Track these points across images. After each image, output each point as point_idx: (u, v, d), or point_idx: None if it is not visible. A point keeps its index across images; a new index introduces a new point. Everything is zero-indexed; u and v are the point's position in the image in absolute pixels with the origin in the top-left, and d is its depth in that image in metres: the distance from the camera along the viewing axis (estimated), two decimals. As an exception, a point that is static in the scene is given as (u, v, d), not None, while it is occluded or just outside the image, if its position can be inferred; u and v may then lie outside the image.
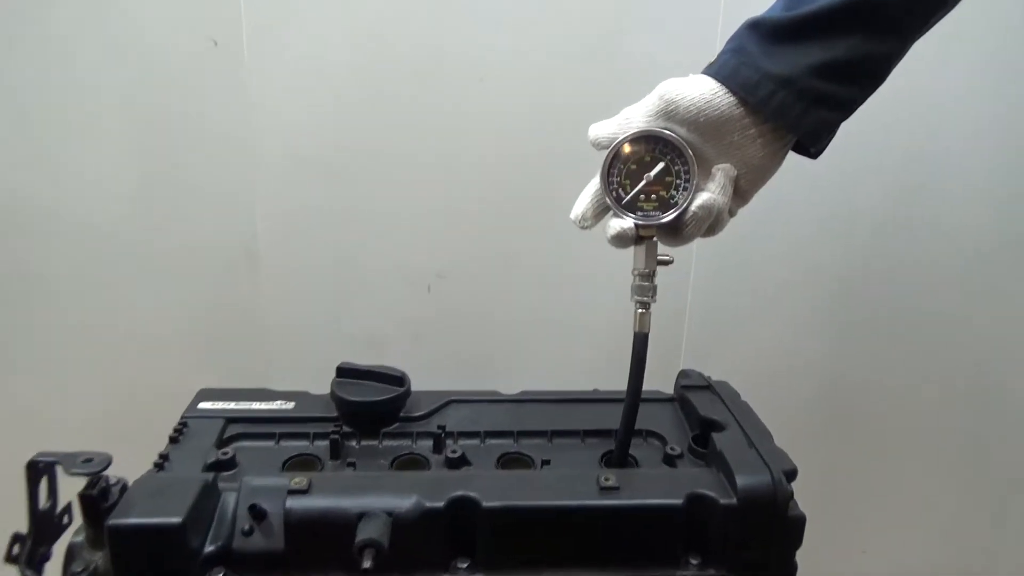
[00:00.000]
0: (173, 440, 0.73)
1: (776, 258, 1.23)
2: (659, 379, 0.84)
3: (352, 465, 0.72)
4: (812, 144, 0.66)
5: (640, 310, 0.68)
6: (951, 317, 1.29)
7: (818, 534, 0.71)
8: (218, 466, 0.70)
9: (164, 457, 0.70)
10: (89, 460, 0.61)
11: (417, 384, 0.82)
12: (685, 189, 0.66)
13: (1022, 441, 1.37)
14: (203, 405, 0.78)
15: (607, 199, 0.67)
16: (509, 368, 1.23)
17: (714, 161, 0.66)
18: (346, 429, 0.76)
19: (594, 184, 0.68)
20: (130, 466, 0.67)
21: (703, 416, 0.77)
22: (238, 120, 1.10)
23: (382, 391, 0.77)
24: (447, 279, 1.21)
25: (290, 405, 0.80)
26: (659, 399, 0.85)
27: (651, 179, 0.66)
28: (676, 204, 0.66)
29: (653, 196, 0.67)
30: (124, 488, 0.64)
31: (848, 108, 0.65)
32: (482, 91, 1.11)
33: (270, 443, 0.76)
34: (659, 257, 0.68)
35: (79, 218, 1.12)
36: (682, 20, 1.09)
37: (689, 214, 0.66)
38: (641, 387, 0.69)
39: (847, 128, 0.67)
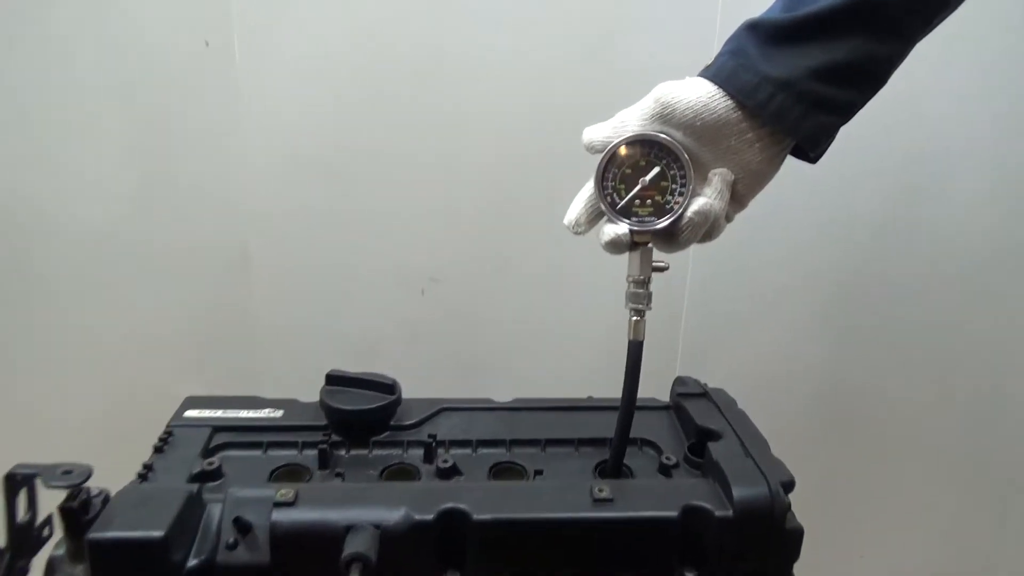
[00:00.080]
0: (158, 449, 0.71)
1: (774, 262, 1.22)
2: (654, 385, 0.82)
3: (341, 476, 0.70)
4: (811, 148, 0.65)
5: (635, 318, 0.67)
6: (950, 321, 1.28)
7: (815, 539, 0.70)
8: (203, 476, 0.68)
9: (148, 467, 0.68)
10: (69, 472, 0.59)
11: (410, 388, 0.80)
12: (681, 194, 0.65)
13: (1022, 445, 1.36)
14: (189, 413, 0.77)
15: (601, 204, 0.66)
16: (503, 373, 1.22)
17: (711, 165, 0.65)
18: (335, 438, 0.75)
19: (588, 189, 0.67)
20: (117, 469, 0.66)
21: (699, 425, 0.76)
22: (230, 121, 1.09)
23: (372, 399, 0.76)
24: (441, 282, 1.20)
25: (278, 413, 0.78)
26: (654, 407, 0.84)
27: (646, 184, 0.65)
28: (672, 210, 0.65)
29: (648, 201, 0.65)
30: (106, 500, 0.62)
31: (848, 112, 0.63)
32: (478, 92, 1.10)
33: (257, 452, 0.74)
34: (654, 264, 0.67)
35: (72, 219, 1.12)
36: (680, 21, 1.08)
37: (685, 220, 0.64)
38: (636, 396, 0.68)
39: (846, 130, 0.65)
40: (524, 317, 1.21)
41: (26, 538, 0.62)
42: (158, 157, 1.10)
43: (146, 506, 0.60)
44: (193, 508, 0.62)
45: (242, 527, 0.60)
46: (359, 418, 0.75)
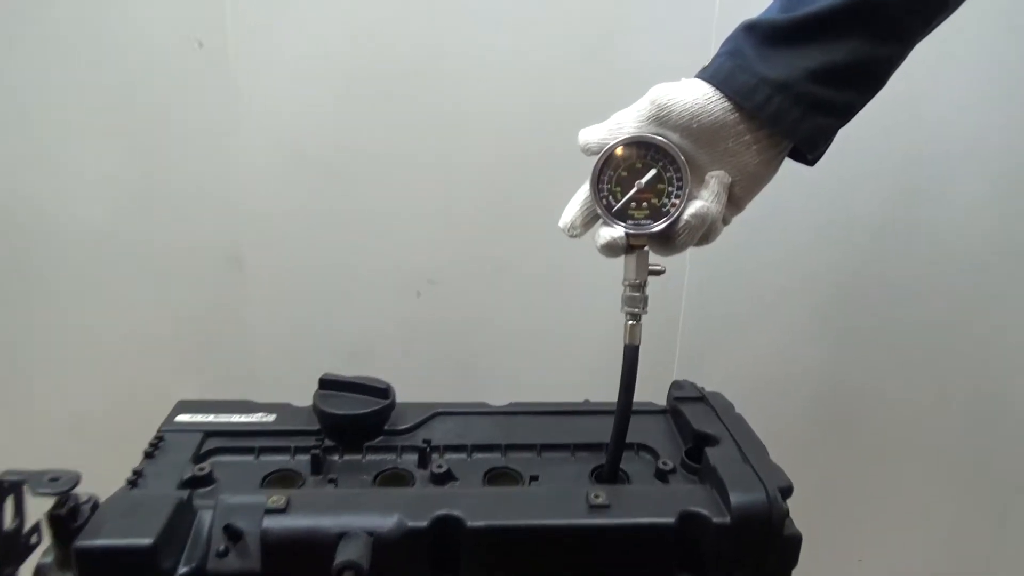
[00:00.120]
0: (148, 455, 0.70)
1: (772, 264, 1.22)
2: (652, 389, 0.82)
3: (334, 481, 0.69)
4: (809, 151, 0.64)
5: (631, 322, 0.66)
6: (950, 322, 1.27)
7: (813, 543, 0.69)
8: (194, 482, 0.68)
9: (138, 473, 0.67)
10: (56, 479, 0.58)
11: (405, 391, 0.80)
12: (677, 197, 0.64)
13: (1022, 447, 1.35)
14: (181, 418, 0.76)
15: (597, 207, 0.65)
16: (500, 376, 1.22)
17: (708, 168, 0.64)
18: (328, 443, 0.74)
19: (583, 191, 0.66)
20: (113, 470, 0.66)
21: (696, 429, 0.75)
22: (225, 122, 1.08)
23: (366, 403, 0.75)
24: (437, 285, 1.19)
25: (271, 418, 0.77)
26: (651, 411, 0.83)
27: (642, 186, 0.64)
28: (668, 212, 0.64)
29: (644, 204, 0.64)
30: (95, 506, 0.61)
31: (847, 114, 0.63)
32: (475, 92, 1.09)
33: (249, 458, 0.73)
34: (650, 267, 0.66)
35: (68, 219, 1.11)
36: (677, 21, 1.08)
37: (681, 223, 0.63)
38: (632, 401, 0.67)
39: (844, 132, 0.64)
40: (521, 319, 1.21)
41: (13, 546, 0.61)
42: (153, 158, 1.09)
43: (135, 513, 0.59)
44: (183, 515, 0.61)
45: (233, 534, 0.59)
46: (352, 423, 0.74)
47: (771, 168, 0.65)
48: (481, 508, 0.62)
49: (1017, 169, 1.20)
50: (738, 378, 1.23)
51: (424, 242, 1.16)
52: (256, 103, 1.08)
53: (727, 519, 0.63)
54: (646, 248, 0.66)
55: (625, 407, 0.67)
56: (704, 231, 0.64)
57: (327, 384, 0.77)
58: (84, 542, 0.56)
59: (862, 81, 0.62)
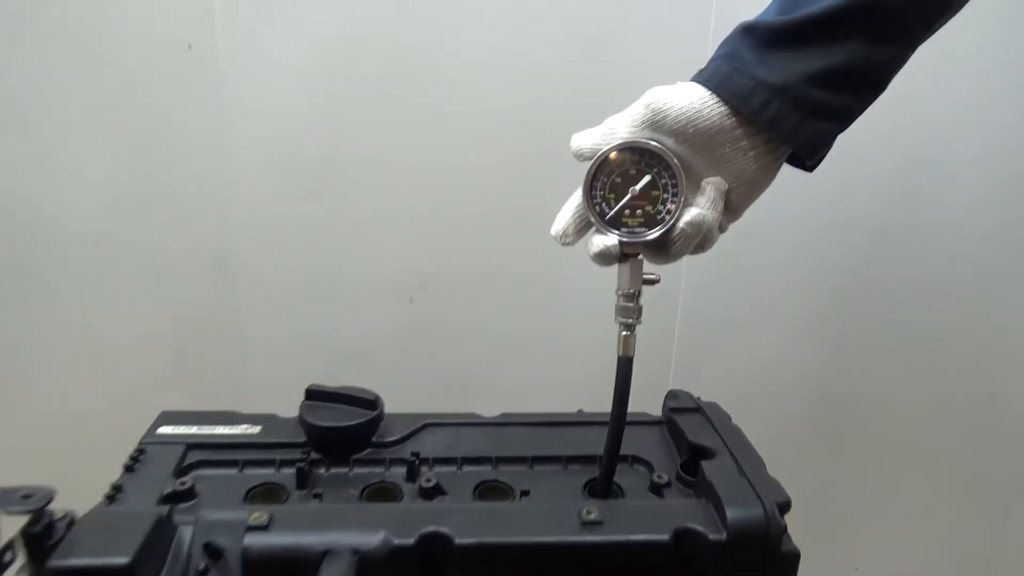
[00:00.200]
0: (128, 468, 0.68)
1: (770, 268, 1.20)
2: (647, 397, 0.80)
3: (319, 496, 0.67)
4: (808, 157, 0.62)
5: (624, 333, 0.64)
6: (950, 326, 1.26)
7: (810, 551, 0.68)
8: (175, 497, 0.66)
9: (117, 488, 0.65)
10: (29, 496, 0.56)
11: (397, 399, 0.78)
12: (673, 204, 0.62)
13: (1022, 451, 1.34)
14: (163, 430, 0.74)
15: (589, 214, 0.63)
16: (494, 384, 1.20)
17: (704, 174, 0.62)
18: (315, 456, 0.72)
19: (576, 198, 0.64)
20: (91, 478, 0.64)
21: (692, 442, 0.73)
22: (212, 125, 1.07)
23: (353, 415, 0.73)
24: (430, 291, 1.17)
25: (256, 429, 0.75)
26: (646, 422, 0.81)
27: (636, 193, 0.62)
28: (663, 220, 0.62)
29: (639, 211, 0.63)
30: (71, 523, 0.60)
31: (847, 118, 0.61)
32: (469, 94, 1.08)
33: (233, 471, 0.71)
34: (645, 276, 0.64)
35: (61, 221, 1.09)
36: (674, 22, 1.06)
37: (677, 231, 0.61)
38: (625, 414, 0.65)
39: (842, 134, 0.63)
40: (516, 326, 1.19)
41: (-14, 564, 0.59)
42: (143, 161, 1.08)
43: (112, 530, 0.57)
44: (162, 532, 0.59)
45: (213, 552, 0.58)
46: (339, 435, 0.72)
47: (769, 174, 0.63)
48: (469, 525, 0.60)
49: (1017, 172, 1.18)
50: (735, 385, 1.21)
51: (415, 248, 1.15)
52: (246, 105, 1.06)
53: (723, 536, 0.61)
54: (640, 257, 0.64)
55: (619, 421, 0.65)
56: (700, 239, 0.62)
57: (314, 395, 0.75)
58: (58, 561, 0.54)
59: (862, 85, 0.60)
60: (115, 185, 1.09)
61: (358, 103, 1.07)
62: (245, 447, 0.73)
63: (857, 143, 0.97)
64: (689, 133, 0.60)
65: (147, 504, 0.64)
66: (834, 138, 0.62)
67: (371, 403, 0.74)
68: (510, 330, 1.19)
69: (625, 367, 0.64)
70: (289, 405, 0.77)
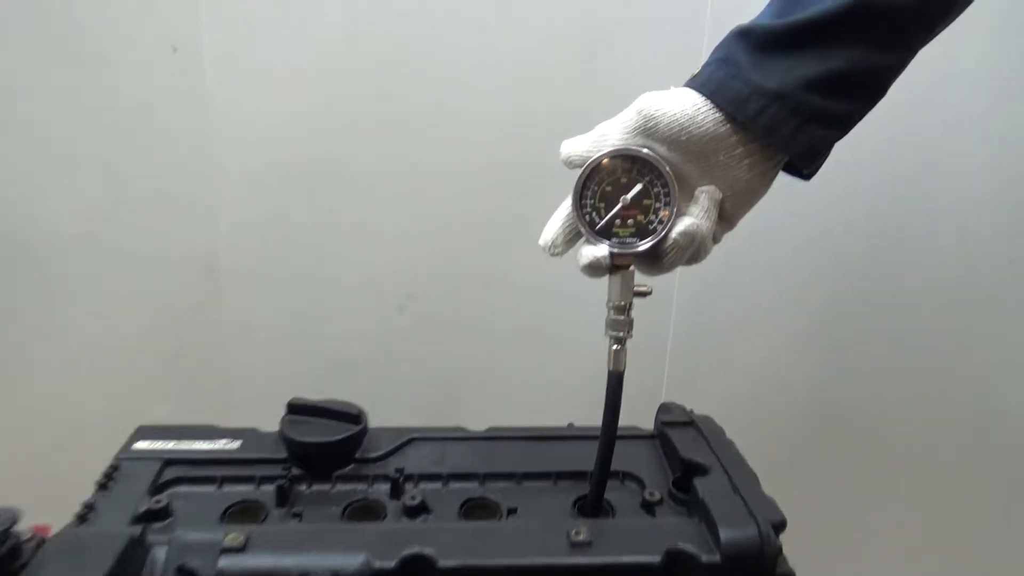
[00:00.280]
0: (101, 486, 0.66)
1: (765, 278, 1.19)
2: (639, 409, 0.78)
3: (299, 515, 0.65)
4: (805, 165, 0.60)
5: (615, 346, 0.62)
6: (949, 332, 1.24)
7: (805, 568, 0.66)
8: (149, 516, 0.63)
9: (89, 507, 0.63)
10: (-8, 518, 0.54)
11: (385, 410, 0.76)
12: (665, 213, 0.60)
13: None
14: (139, 445, 0.71)
15: (579, 224, 0.61)
16: (484, 394, 1.18)
17: (697, 183, 0.60)
18: (296, 472, 0.70)
19: (566, 207, 0.62)
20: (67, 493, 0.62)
21: (684, 458, 0.71)
22: (198, 132, 1.05)
23: (336, 430, 0.71)
24: (419, 298, 1.15)
25: (235, 444, 0.73)
26: (637, 436, 0.79)
27: (628, 202, 0.60)
28: (655, 230, 0.60)
29: (630, 221, 0.60)
30: (40, 544, 0.57)
31: (845, 125, 0.59)
32: (459, 98, 1.06)
33: (211, 488, 0.69)
34: (636, 288, 0.62)
35: (38, 228, 1.08)
36: (668, 24, 1.04)
37: (669, 241, 0.59)
38: (616, 431, 0.63)
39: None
40: (506, 335, 1.17)
41: (-51, 588, 0.57)
42: (121, 168, 1.06)
43: (81, 552, 0.56)
44: (134, 554, 0.57)
45: (186, 576, 0.55)
46: (321, 451, 0.70)
47: (764, 182, 0.61)
48: (453, 546, 0.58)
49: (1015, 178, 1.17)
50: (729, 396, 1.19)
51: (404, 255, 1.13)
52: (233, 109, 1.04)
53: (716, 557, 0.59)
54: (631, 268, 0.62)
55: (609, 437, 0.63)
56: (693, 250, 0.60)
57: (295, 409, 0.72)
58: (23, 586, 0.52)
59: (861, 90, 0.58)
60: (100, 189, 1.07)
61: (346, 107, 1.05)
62: (224, 463, 0.70)
63: (853, 149, 0.95)
64: (682, 140, 0.58)
65: (120, 524, 0.61)
66: (832, 145, 0.60)
67: (355, 417, 0.72)
68: (501, 340, 1.17)
69: (616, 382, 0.62)
70: (279, 408, 0.74)
